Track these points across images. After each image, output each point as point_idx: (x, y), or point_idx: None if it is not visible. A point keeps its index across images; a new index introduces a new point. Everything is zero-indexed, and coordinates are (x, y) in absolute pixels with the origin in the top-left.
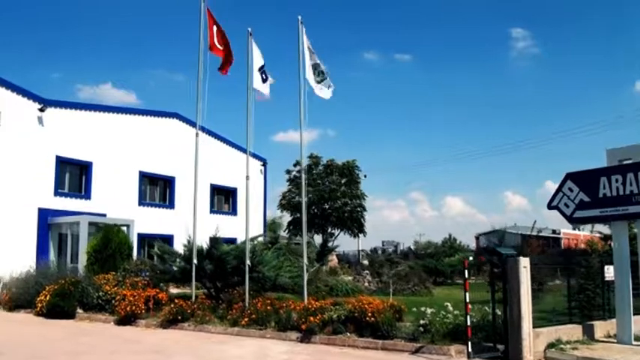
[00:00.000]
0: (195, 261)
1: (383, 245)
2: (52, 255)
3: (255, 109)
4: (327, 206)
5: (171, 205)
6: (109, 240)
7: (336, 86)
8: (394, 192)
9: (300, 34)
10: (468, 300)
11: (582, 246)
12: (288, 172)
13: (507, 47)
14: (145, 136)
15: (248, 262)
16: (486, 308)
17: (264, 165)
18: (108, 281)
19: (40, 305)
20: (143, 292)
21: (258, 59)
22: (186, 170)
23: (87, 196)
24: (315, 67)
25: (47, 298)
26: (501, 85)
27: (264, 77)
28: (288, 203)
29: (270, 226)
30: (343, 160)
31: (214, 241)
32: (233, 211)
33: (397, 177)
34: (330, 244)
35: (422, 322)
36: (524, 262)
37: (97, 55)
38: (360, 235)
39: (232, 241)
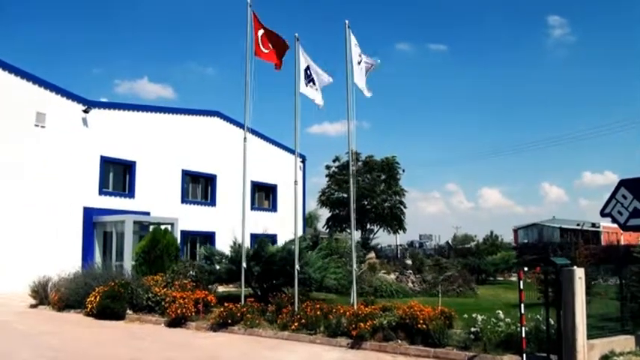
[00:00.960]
0: (244, 265)
1: (420, 239)
2: (97, 253)
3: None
4: (365, 202)
5: (212, 203)
6: (157, 241)
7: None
8: (429, 184)
9: (347, 37)
10: (522, 312)
11: (623, 241)
12: (327, 167)
13: (544, 35)
14: (187, 135)
15: (297, 266)
16: (538, 317)
17: (304, 162)
18: (157, 282)
19: (90, 306)
20: (192, 294)
21: (305, 64)
22: (228, 168)
23: (131, 194)
24: (364, 69)
25: (97, 300)
26: (538, 74)
27: (309, 80)
28: (328, 199)
29: (308, 220)
30: (382, 155)
31: (261, 242)
32: (273, 208)
33: (432, 168)
34: (369, 242)
35: (473, 329)
36: (579, 273)
37: (134, 50)
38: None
39: (272, 237)
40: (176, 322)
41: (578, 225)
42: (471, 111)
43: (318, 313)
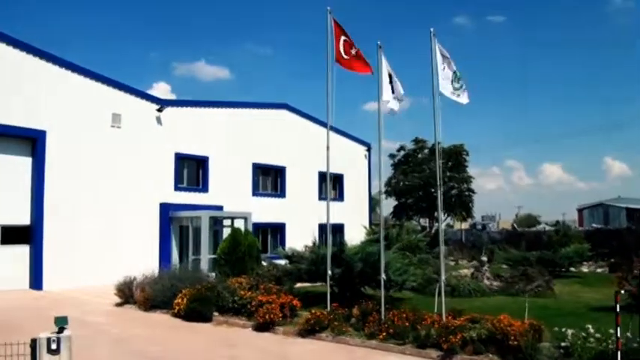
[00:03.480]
0: (329, 272)
1: (483, 220)
2: (174, 247)
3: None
4: (432, 190)
5: (282, 194)
6: (239, 242)
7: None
8: (488, 159)
9: (432, 45)
10: (619, 336)
11: None
12: (392, 156)
13: (605, 3)
14: (256, 128)
15: (383, 275)
16: (628, 334)
17: (369, 150)
18: (241, 285)
19: (177, 308)
20: (278, 298)
21: (387, 72)
22: (297, 159)
23: (204, 189)
24: (451, 76)
25: (184, 302)
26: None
27: (393, 88)
28: (394, 189)
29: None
30: (449, 142)
31: (341, 245)
32: (340, 197)
33: (492, 144)
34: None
35: (563, 344)
36: None
37: (190, 33)
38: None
39: (340, 227)
40: (264, 327)
41: None
42: (531, 87)
43: (407, 323)
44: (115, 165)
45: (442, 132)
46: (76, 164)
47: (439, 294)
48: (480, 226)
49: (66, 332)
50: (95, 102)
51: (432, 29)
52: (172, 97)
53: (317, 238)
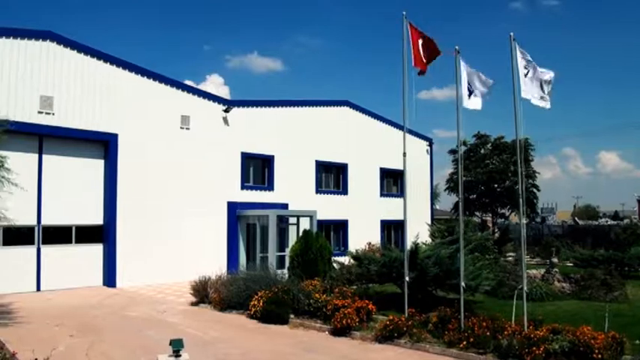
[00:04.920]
0: (407, 278)
1: (542, 212)
2: (242, 245)
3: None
4: (495, 185)
5: (344, 191)
6: (310, 244)
7: (483, 42)
8: (544, 148)
9: (512, 49)
10: None
11: None
12: (453, 152)
13: None
14: (318, 126)
15: (462, 283)
16: None
17: (430, 145)
18: (315, 288)
19: (253, 310)
20: (353, 302)
21: (467, 77)
22: (358, 156)
23: (270, 187)
24: (538, 81)
25: (261, 304)
26: None
27: (473, 92)
28: (456, 185)
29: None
30: (512, 136)
31: (414, 248)
32: (401, 194)
33: (549, 132)
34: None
35: None
36: None
37: (243, 25)
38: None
39: (401, 223)
40: (341, 331)
41: None
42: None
43: (487, 332)
44: (184, 165)
45: (495, 123)
46: (146, 165)
47: (517, 298)
48: (539, 219)
49: (184, 355)
50: (165, 105)
51: (511, 34)
52: (225, 89)
53: (380, 236)
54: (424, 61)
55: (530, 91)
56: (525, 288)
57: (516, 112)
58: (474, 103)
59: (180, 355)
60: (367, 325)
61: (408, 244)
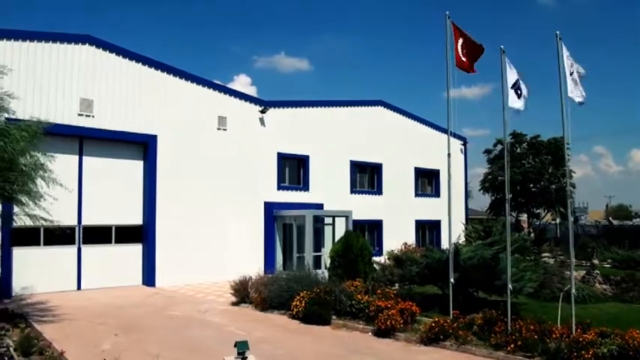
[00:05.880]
0: (452, 280)
1: (575, 213)
2: (278, 244)
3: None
4: (531, 185)
5: (379, 192)
6: (351, 245)
7: (511, 36)
8: (574, 146)
9: (558, 49)
10: None
11: None
12: (488, 151)
13: None
14: (352, 126)
15: (510, 286)
16: None
17: (465, 144)
18: (357, 288)
19: (295, 310)
20: (396, 303)
21: (511, 76)
22: (393, 155)
23: (305, 188)
24: (575, 79)
25: (303, 304)
26: None
27: (519, 93)
28: (491, 185)
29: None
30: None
31: (456, 248)
32: (436, 194)
33: (579, 131)
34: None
35: None
36: None
37: (270, 26)
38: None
39: (436, 223)
40: (384, 333)
41: None
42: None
43: (535, 336)
44: (221, 166)
45: (525, 121)
46: (184, 166)
47: (564, 301)
48: (572, 218)
49: (250, 357)
50: (202, 106)
51: (557, 32)
52: (253, 89)
53: (415, 236)
54: (463, 59)
55: (574, 91)
56: (574, 290)
57: (563, 113)
58: (519, 103)
59: (246, 357)
60: (411, 327)
61: (446, 245)
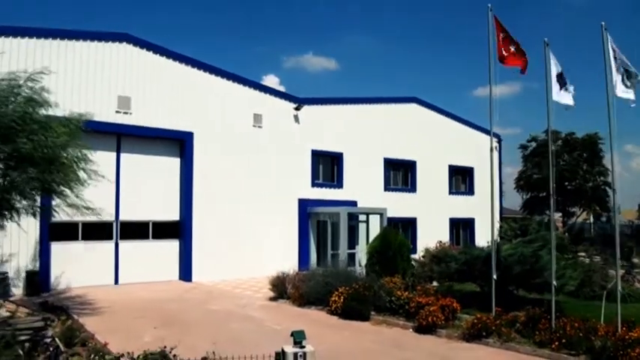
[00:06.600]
0: (494, 276)
1: (610, 212)
2: (312, 242)
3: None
4: (566, 183)
5: (412, 189)
6: (389, 242)
7: (542, 32)
8: (606, 144)
9: (604, 43)
10: None
11: None
12: (524, 147)
13: None
14: (386, 123)
15: (554, 282)
16: None
17: (499, 141)
18: (395, 285)
19: (334, 305)
20: (437, 300)
21: (555, 69)
22: (426, 153)
23: (339, 185)
24: (623, 71)
25: (341, 300)
26: None
27: (562, 84)
28: (527, 182)
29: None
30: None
31: (497, 247)
32: (470, 191)
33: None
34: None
35: None
36: None
37: (298, 26)
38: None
39: (470, 221)
40: (426, 329)
41: None
42: None
43: (580, 334)
44: (257, 162)
45: (558, 117)
46: (220, 162)
47: (608, 300)
48: (604, 218)
49: (308, 347)
50: (238, 103)
51: (602, 23)
52: (281, 89)
53: (449, 234)
54: (505, 54)
55: (617, 85)
56: (620, 288)
57: (610, 110)
58: (566, 97)
59: (304, 346)
60: (452, 324)
61: (481, 243)
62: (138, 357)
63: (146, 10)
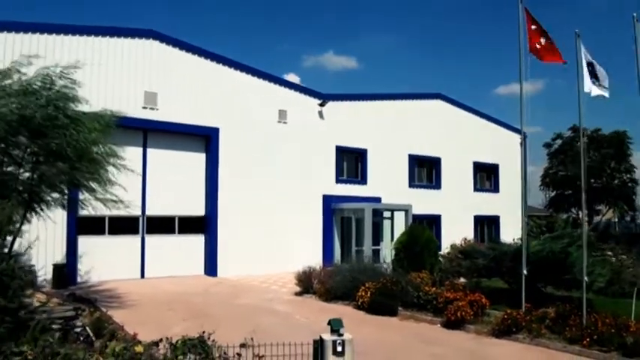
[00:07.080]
0: (524, 272)
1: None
2: (336, 238)
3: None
4: (593, 181)
5: (437, 186)
6: (416, 237)
7: (560, 28)
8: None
9: (636, 32)
10: None
11: None
12: (548, 145)
13: None
14: (411, 119)
15: (586, 278)
16: None
17: (524, 138)
18: (423, 280)
19: (360, 300)
20: (465, 295)
21: (587, 60)
22: (451, 149)
23: (363, 181)
24: None
25: (368, 295)
26: None
27: (594, 76)
28: (552, 180)
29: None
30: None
31: (527, 242)
32: (495, 189)
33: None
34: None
35: None
36: None
37: (318, 24)
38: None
39: (495, 219)
40: (454, 324)
41: None
42: None
43: (612, 331)
44: (282, 158)
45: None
46: (246, 158)
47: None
48: (628, 218)
49: (346, 335)
50: (263, 99)
51: (634, 14)
52: None
53: (474, 231)
54: (537, 47)
55: None
56: None
57: None
58: (600, 90)
59: (342, 334)
60: (481, 320)
61: (508, 239)
62: (177, 342)
63: (168, 10)
